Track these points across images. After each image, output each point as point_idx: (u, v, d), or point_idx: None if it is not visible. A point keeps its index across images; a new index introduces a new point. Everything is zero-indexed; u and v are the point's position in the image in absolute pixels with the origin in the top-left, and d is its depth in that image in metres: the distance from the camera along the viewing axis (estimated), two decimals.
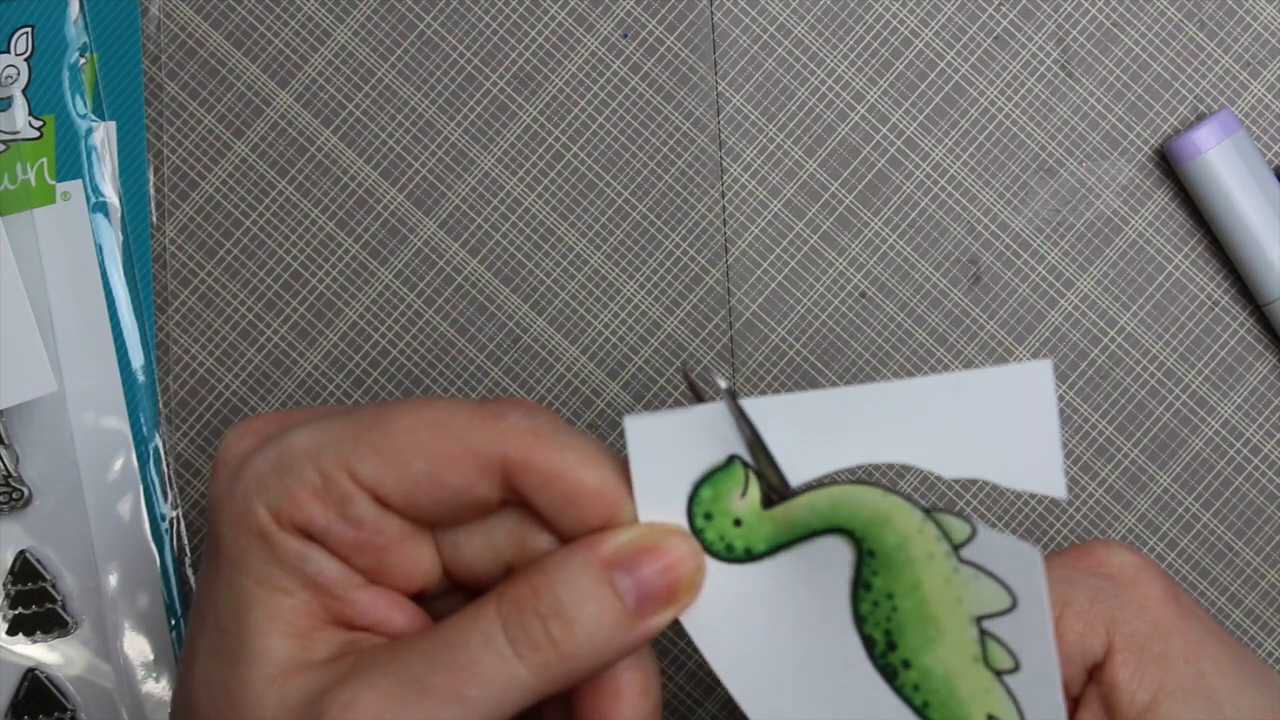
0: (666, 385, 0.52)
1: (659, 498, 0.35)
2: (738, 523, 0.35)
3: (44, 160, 0.51)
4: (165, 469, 0.52)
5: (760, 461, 0.35)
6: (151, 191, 0.52)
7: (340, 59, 0.53)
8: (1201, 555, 0.52)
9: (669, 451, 0.35)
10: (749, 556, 0.35)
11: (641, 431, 0.34)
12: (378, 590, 0.35)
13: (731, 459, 0.35)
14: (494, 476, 0.34)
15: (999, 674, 0.34)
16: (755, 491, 0.35)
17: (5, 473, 0.51)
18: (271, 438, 0.35)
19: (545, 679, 0.33)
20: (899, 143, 0.52)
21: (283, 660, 0.33)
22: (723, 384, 0.34)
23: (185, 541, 0.52)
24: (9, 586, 0.51)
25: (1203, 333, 0.52)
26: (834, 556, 0.35)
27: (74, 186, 0.51)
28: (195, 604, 0.36)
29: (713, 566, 0.35)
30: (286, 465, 0.34)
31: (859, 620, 0.35)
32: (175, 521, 0.52)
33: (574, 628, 0.33)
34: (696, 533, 0.35)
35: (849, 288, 0.52)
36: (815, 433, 0.35)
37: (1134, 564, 0.38)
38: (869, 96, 0.52)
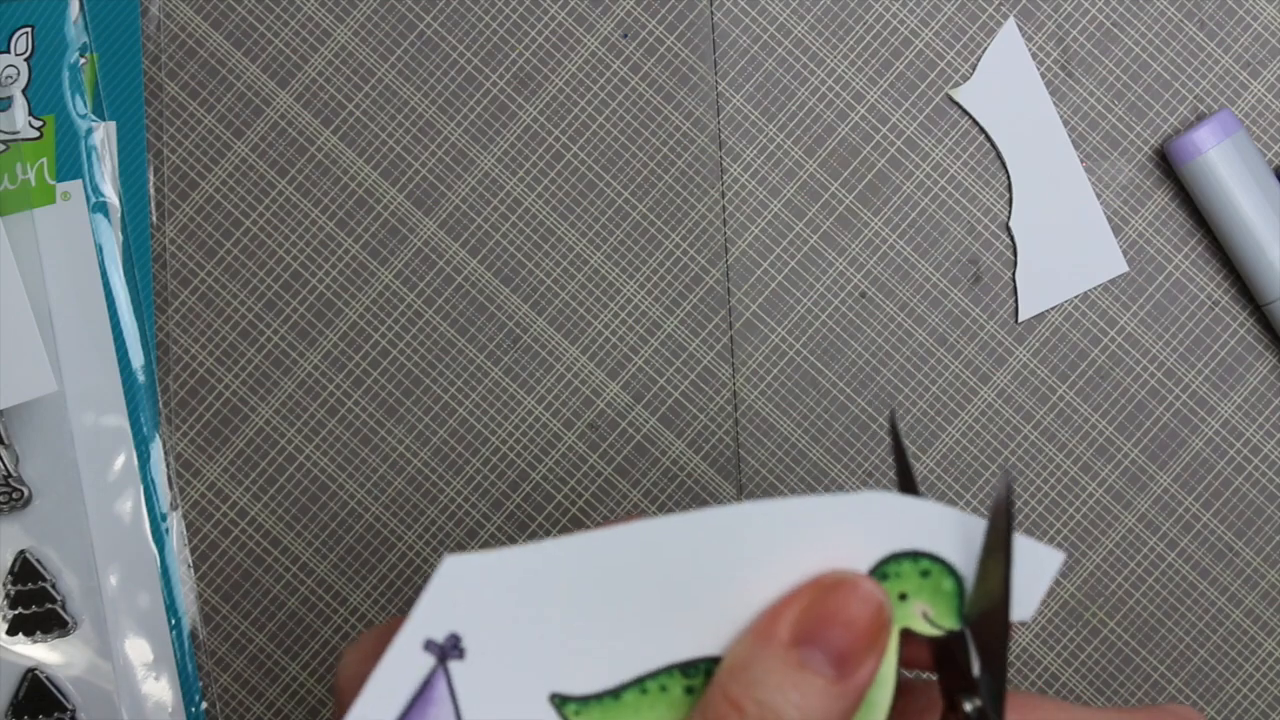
0: (666, 385, 0.52)
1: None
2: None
3: (44, 160, 0.51)
4: (165, 469, 0.52)
5: (988, 583, 0.33)
6: (151, 191, 0.52)
7: (340, 59, 0.53)
8: (1201, 555, 0.52)
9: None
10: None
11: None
12: None
13: (946, 565, 0.34)
14: None
15: None
16: (946, 607, 0.34)
17: (5, 473, 0.51)
18: None
19: None
20: (899, 143, 0.52)
21: None
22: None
23: (185, 541, 0.52)
24: (9, 586, 0.51)
25: (1203, 333, 0.52)
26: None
27: (74, 186, 0.51)
28: None
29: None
30: None
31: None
32: (175, 521, 0.52)
33: None
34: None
35: (849, 288, 0.52)
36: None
37: None
38: (869, 96, 0.52)
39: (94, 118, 0.52)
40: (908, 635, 0.34)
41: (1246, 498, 0.52)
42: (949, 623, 0.34)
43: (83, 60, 0.52)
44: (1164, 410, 0.52)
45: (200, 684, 0.51)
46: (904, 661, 0.36)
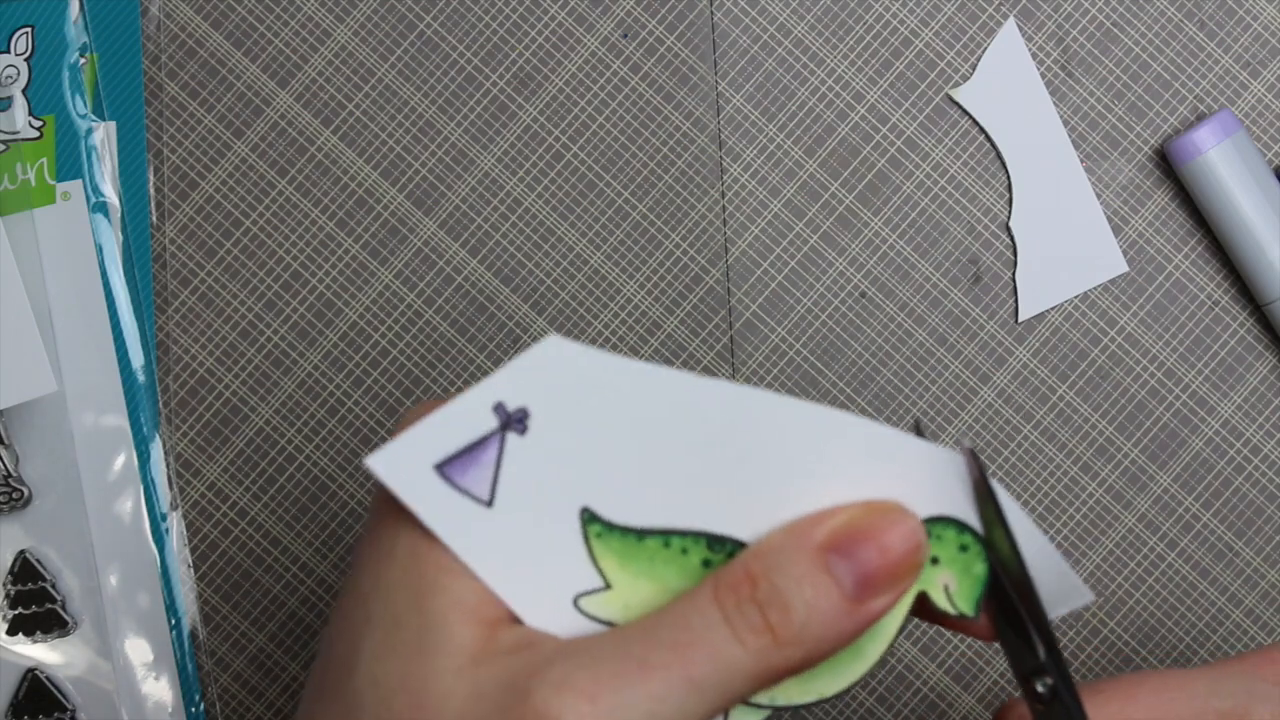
0: None
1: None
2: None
3: (44, 160, 0.51)
4: (165, 469, 0.52)
5: (1001, 546, 0.33)
6: (151, 191, 0.52)
7: (340, 59, 0.53)
8: (1201, 555, 0.52)
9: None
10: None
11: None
12: None
13: (978, 537, 0.33)
14: None
15: None
16: (968, 589, 0.34)
17: (5, 473, 0.51)
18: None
19: (765, 665, 0.32)
20: (899, 143, 0.52)
21: (470, 649, 0.32)
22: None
23: (185, 541, 0.52)
24: (9, 586, 0.51)
25: (1203, 333, 0.52)
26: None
27: (74, 186, 0.51)
28: (352, 605, 0.34)
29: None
30: None
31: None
32: (175, 521, 0.52)
33: (790, 614, 0.32)
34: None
35: (849, 288, 0.52)
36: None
37: None
38: (869, 96, 0.52)
39: (94, 118, 0.52)
40: (929, 604, 0.34)
41: (1246, 498, 0.52)
42: (965, 607, 0.33)
43: (83, 60, 0.52)
44: (1164, 410, 0.52)
45: (200, 684, 0.51)
46: (964, 628, 0.35)
